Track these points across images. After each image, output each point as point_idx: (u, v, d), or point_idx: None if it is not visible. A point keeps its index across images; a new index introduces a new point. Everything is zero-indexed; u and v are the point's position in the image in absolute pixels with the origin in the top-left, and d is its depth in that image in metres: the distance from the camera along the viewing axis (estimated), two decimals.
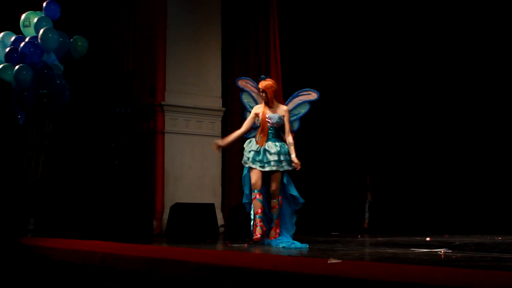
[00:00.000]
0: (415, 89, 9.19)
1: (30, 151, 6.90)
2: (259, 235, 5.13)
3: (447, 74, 8.87)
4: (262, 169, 5.20)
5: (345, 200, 9.61)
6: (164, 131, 8.19)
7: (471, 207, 8.24)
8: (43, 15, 7.05)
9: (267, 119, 5.28)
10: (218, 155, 8.59)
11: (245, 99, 5.67)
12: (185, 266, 2.87)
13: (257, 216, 5.20)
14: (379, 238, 6.16)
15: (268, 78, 5.42)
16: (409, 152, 9.23)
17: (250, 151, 5.27)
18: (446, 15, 8.72)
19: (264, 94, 5.29)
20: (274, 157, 5.18)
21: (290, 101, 5.59)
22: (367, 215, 9.59)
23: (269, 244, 5.10)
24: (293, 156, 5.22)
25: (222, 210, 8.58)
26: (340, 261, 2.52)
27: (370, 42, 9.69)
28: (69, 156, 8.00)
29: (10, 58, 6.83)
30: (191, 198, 8.08)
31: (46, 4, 7.12)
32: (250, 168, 5.27)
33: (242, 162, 5.38)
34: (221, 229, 8.08)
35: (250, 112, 5.53)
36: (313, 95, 5.55)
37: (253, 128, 5.50)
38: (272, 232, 5.26)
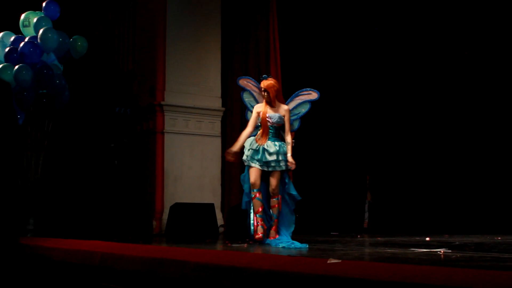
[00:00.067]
0: (415, 89, 9.19)
1: (30, 151, 6.89)
2: (260, 234, 5.16)
3: (447, 74, 8.87)
4: (261, 168, 5.23)
5: (345, 200, 9.61)
6: (164, 131, 8.19)
7: (470, 207, 8.24)
8: (42, 15, 7.05)
9: (267, 119, 5.29)
10: (217, 155, 8.59)
11: (246, 98, 5.68)
12: (185, 266, 2.87)
13: (257, 215, 5.23)
14: (379, 238, 6.16)
15: (270, 77, 5.44)
16: (408, 152, 9.23)
17: (249, 149, 5.29)
18: (446, 15, 8.72)
19: (266, 94, 5.30)
20: (272, 157, 5.20)
21: (290, 100, 5.60)
22: (366, 215, 9.59)
23: (269, 244, 5.10)
24: (289, 155, 5.23)
25: (222, 210, 8.58)
26: (339, 261, 2.52)
27: (370, 42, 9.69)
28: (69, 156, 8.00)
29: (10, 58, 6.82)
30: (190, 198, 8.08)
31: (46, 4, 7.11)
32: (249, 167, 5.29)
33: (242, 160, 5.40)
34: (221, 229, 8.08)
35: (251, 111, 5.55)
36: (313, 95, 5.56)
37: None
38: (272, 232, 5.26)
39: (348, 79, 9.71)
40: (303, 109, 5.60)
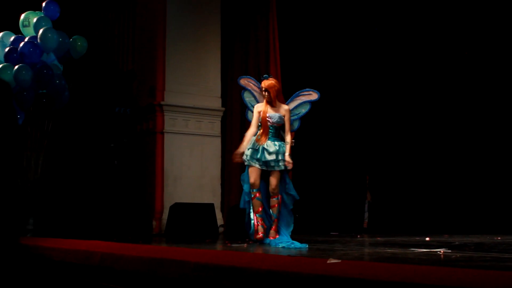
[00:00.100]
0: (415, 89, 9.19)
1: (30, 151, 6.89)
2: (261, 234, 5.18)
3: (447, 74, 8.87)
4: (260, 167, 5.24)
5: (345, 200, 9.61)
6: (164, 131, 8.19)
7: (470, 207, 8.24)
8: (42, 15, 7.05)
9: (267, 118, 5.31)
10: (217, 155, 8.60)
11: (247, 97, 5.68)
12: (184, 266, 2.87)
13: (257, 215, 5.25)
14: (379, 238, 6.16)
15: (271, 77, 5.45)
16: (408, 152, 9.23)
17: (249, 149, 5.31)
18: (446, 15, 8.72)
19: (266, 93, 5.32)
20: (272, 157, 5.21)
21: (291, 100, 5.61)
22: (366, 215, 9.59)
23: (269, 244, 5.11)
24: (287, 154, 5.25)
25: (222, 210, 8.58)
26: (339, 261, 2.52)
27: (370, 42, 9.69)
28: (69, 156, 8.01)
29: (10, 58, 6.82)
30: (190, 198, 8.08)
31: (46, 4, 7.11)
32: (249, 166, 5.30)
33: (242, 158, 5.41)
34: (221, 229, 8.08)
35: (251, 111, 5.57)
36: (313, 96, 5.57)
37: None
38: (272, 232, 5.27)
39: (348, 79, 9.71)
40: (303, 110, 5.61)
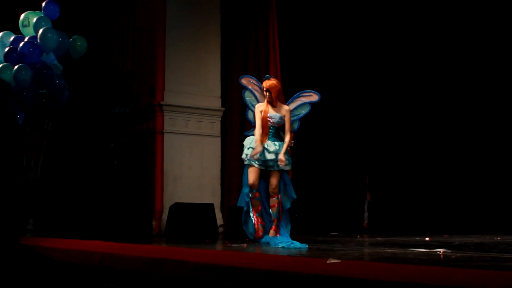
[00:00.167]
0: (414, 89, 9.19)
1: (29, 151, 6.89)
2: (261, 233, 5.20)
3: (447, 74, 8.86)
4: (260, 167, 5.25)
5: (344, 200, 9.61)
6: (164, 131, 8.19)
7: (470, 207, 8.24)
8: (42, 15, 7.05)
9: (268, 118, 5.33)
10: (217, 155, 8.60)
11: (248, 97, 5.69)
12: (184, 266, 2.87)
13: (257, 214, 5.27)
14: (378, 238, 6.16)
15: (273, 77, 5.46)
16: (408, 152, 9.23)
17: (249, 148, 5.33)
18: (446, 15, 8.72)
19: (268, 94, 5.33)
20: (271, 156, 5.24)
21: (291, 101, 5.62)
22: (366, 215, 9.59)
23: (268, 243, 5.11)
24: (282, 152, 5.25)
25: (222, 210, 8.58)
26: (339, 261, 2.52)
27: (370, 42, 9.69)
28: (69, 156, 8.00)
29: (9, 58, 6.82)
30: (190, 198, 8.08)
31: (45, 4, 7.11)
32: (248, 166, 5.31)
33: (242, 158, 5.42)
34: (221, 229, 8.08)
35: (251, 110, 5.58)
36: (314, 97, 5.58)
37: (253, 125, 5.53)
38: (272, 232, 5.28)
39: (348, 79, 9.71)
40: (303, 111, 5.61)
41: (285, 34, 8.91)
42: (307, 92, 5.61)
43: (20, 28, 7.11)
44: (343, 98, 9.68)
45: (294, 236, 5.33)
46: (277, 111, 5.36)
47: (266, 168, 5.31)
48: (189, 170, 8.30)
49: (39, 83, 6.71)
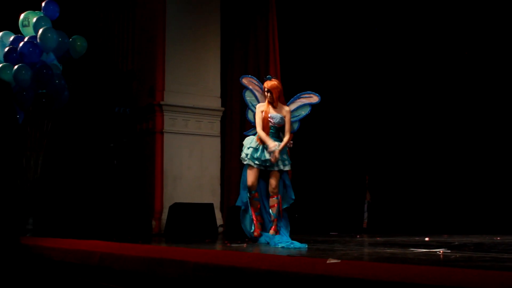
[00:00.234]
0: (414, 89, 9.18)
1: (29, 151, 6.89)
2: (259, 231, 5.21)
3: (447, 74, 8.86)
4: (259, 167, 5.26)
5: (344, 200, 9.61)
6: (163, 131, 8.19)
7: (470, 207, 8.24)
8: (42, 15, 7.04)
9: (269, 119, 5.35)
10: (217, 155, 8.60)
11: (248, 97, 5.69)
12: (184, 266, 2.87)
13: (256, 213, 5.30)
14: (378, 238, 6.16)
15: (274, 78, 5.48)
16: (408, 152, 9.22)
17: (249, 148, 5.34)
18: (446, 15, 8.72)
19: (269, 94, 5.35)
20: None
21: (291, 102, 5.64)
22: (366, 215, 9.59)
23: (268, 242, 5.11)
24: (278, 150, 5.22)
25: (221, 210, 8.58)
26: (339, 261, 2.52)
27: (370, 42, 9.69)
28: (68, 156, 8.00)
29: (9, 57, 6.82)
30: (190, 198, 8.08)
31: (45, 3, 7.11)
32: (248, 166, 5.32)
33: (241, 158, 5.42)
34: (220, 229, 8.08)
35: (252, 110, 5.59)
36: (314, 98, 5.59)
37: (253, 125, 5.54)
38: (272, 232, 5.29)
39: (348, 79, 9.71)
40: (303, 112, 5.63)
41: (285, 34, 8.91)
42: (308, 94, 5.62)
43: (20, 28, 7.11)
44: (343, 98, 9.68)
45: (294, 236, 5.33)
46: (278, 112, 5.38)
47: (266, 168, 5.32)
48: (189, 170, 8.30)
49: (39, 83, 6.71)
